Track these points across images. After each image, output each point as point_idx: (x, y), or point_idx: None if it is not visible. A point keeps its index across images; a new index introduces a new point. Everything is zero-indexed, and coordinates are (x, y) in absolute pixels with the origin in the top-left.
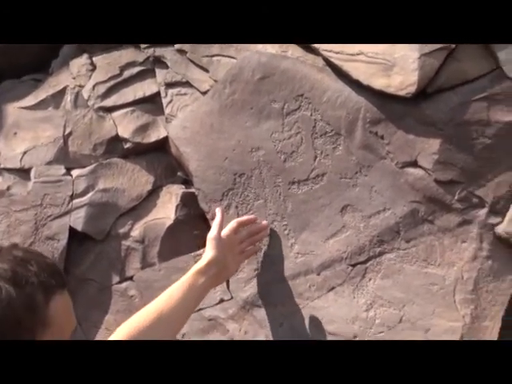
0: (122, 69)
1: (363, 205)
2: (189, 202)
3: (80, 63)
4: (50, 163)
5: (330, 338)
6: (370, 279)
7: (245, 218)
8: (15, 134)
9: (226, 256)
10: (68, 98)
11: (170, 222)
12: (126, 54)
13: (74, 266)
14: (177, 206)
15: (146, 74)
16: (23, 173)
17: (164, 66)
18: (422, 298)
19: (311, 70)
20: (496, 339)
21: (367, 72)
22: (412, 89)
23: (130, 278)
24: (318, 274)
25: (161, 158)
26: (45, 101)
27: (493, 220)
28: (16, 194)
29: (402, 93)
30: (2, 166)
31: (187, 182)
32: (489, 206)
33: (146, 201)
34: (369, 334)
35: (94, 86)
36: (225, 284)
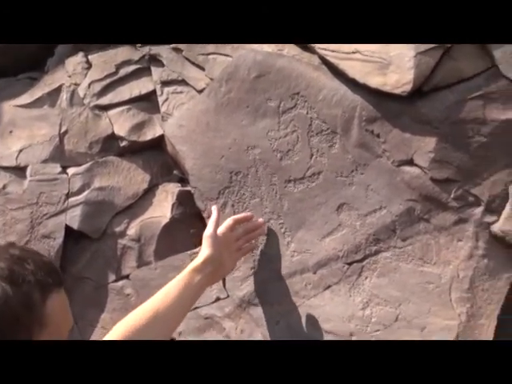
0: (118, 67)
1: (359, 203)
2: (185, 201)
3: (76, 61)
4: (45, 161)
5: (326, 336)
6: (367, 278)
7: (241, 215)
8: (11, 132)
9: (222, 254)
10: (64, 96)
11: (166, 220)
12: (122, 53)
13: (70, 264)
14: (173, 205)
15: (142, 72)
16: (19, 171)
17: (160, 64)
18: (418, 296)
19: (307, 69)
20: (492, 338)
21: (363, 70)
22: (408, 87)
23: (127, 277)
24: (315, 273)
25: (157, 157)
26: (40, 99)
27: (488, 219)
28: (12, 192)
29: (397, 91)
30: None
31: (183, 180)
32: (485, 205)
33: (142, 199)
34: (365, 332)
35: (89, 85)
36: (221, 282)
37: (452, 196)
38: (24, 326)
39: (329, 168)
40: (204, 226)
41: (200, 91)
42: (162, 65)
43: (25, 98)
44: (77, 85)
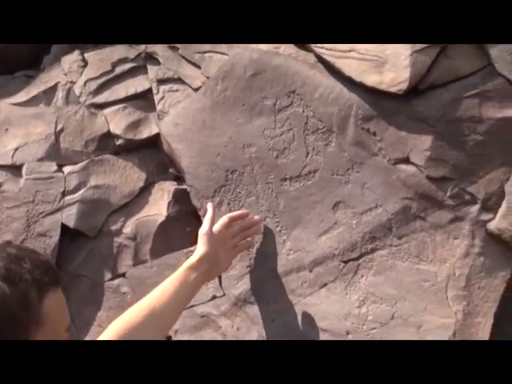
0: (114, 65)
1: (355, 201)
2: (181, 199)
3: (71, 59)
4: (41, 160)
5: (322, 334)
6: (363, 276)
7: (237, 212)
8: (6, 130)
9: (218, 251)
10: (59, 94)
11: (162, 218)
12: (118, 51)
13: (66, 262)
14: (169, 203)
15: (138, 70)
16: (15, 169)
17: (156, 62)
18: (414, 294)
19: (303, 67)
20: (488, 336)
21: (359, 69)
22: (404, 85)
23: (123, 275)
24: (311, 271)
25: (153, 155)
26: (36, 97)
27: (485, 217)
28: (7, 190)
29: (393, 89)
30: None
31: (179, 178)
32: (481, 203)
33: (138, 197)
34: (361, 330)
35: (85, 83)
36: (217, 280)
37: (448, 194)
38: (21, 325)
39: (325, 166)
40: (200, 224)
41: (196, 89)
42: (158, 63)
43: (20, 96)
44: (73, 83)
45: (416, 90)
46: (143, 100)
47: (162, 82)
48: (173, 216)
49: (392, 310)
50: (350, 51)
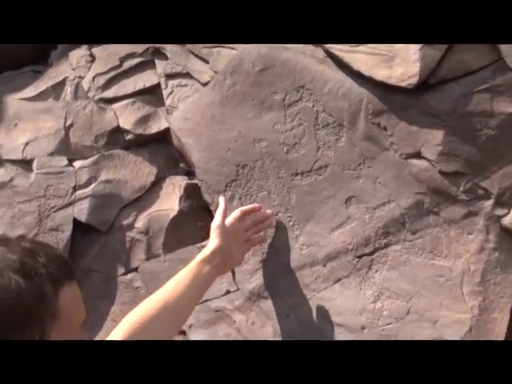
0: (122, 60)
1: (368, 196)
2: (192, 194)
3: (79, 54)
4: (51, 154)
5: (337, 329)
6: (377, 271)
7: (249, 206)
8: (16, 125)
9: (231, 244)
10: (68, 89)
11: (173, 213)
12: (126, 46)
13: (78, 257)
14: (180, 198)
15: (146, 65)
16: (25, 164)
17: (164, 57)
18: (429, 289)
19: (312, 62)
20: (505, 331)
21: (368, 63)
22: (414, 80)
23: (135, 270)
24: (324, 266)
25: (163, 150)
26: (45, 92)
27: (499, 211)
28: (19, 185)
29: (403, 84)
30: (4, 157)
31: (190, 173)
32: (494, 198)
33: (149, 192)
34: (377, 325)
35: (93, 78)
36: (231, 275)
37: (461, 189)
38: (37, 319)
39: (336, 161)
40: (211, 218)
41: (205, 84)
42: (166, 58)
43: (29, 91)
44: (81, 78)
45: (426, 84)
46: (152, 95)
47: (170, 76)
48: (184, 211)
49: (407, 305)
50: (358, 46)
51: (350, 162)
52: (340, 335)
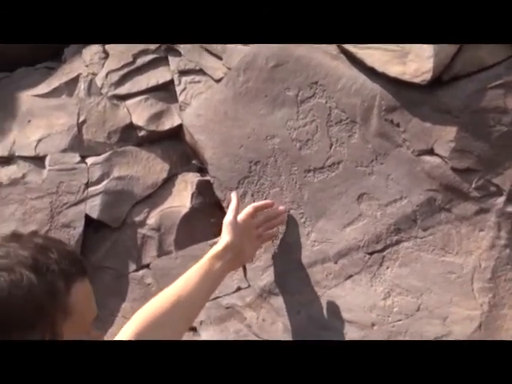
0: (135, 56)
1: (380, 193)
2: (204, 190)
3: (92, 51)
4: (64, 151)
5: (347, 326)
6: (388, 267)
7: (261, 202)
8: (29, 121)
9: (243, 240)
10: (81, 85)
11: (185, 210)
12: None
13: (90, 253)
14: (192, 194)
15: (159, 61)
16: (38, 160)
17: (177, 53)
18: (440, 286)
19: (325, 58)
20: None
21: (381, 59)
22: (427, 76)
23: (147, 266)
24: (336, 263)
25: (175, 146)
26: (58, 89)
27: (511, 208)
28: (31, 181)
29: (417, 80)
30: (17, 153)
31: (202, 170)
32: (506, 195)
33: (162, 189)
34: (387, 322)
35: (107, 74)
36: (242, 272)
37: (473, 186)
38: (48, 315)
39: (348, 158)
40: (223, 215)
41: (218, 81)
42: (180, 54)
43: (42, 88)
44: (94, 74)
45: (440, 80)
46: (165, 91)
47: (183, 73)
48: (196, 207)
49: (418, 301)
50: None
51: (363, 158)
52: (350, 332)
